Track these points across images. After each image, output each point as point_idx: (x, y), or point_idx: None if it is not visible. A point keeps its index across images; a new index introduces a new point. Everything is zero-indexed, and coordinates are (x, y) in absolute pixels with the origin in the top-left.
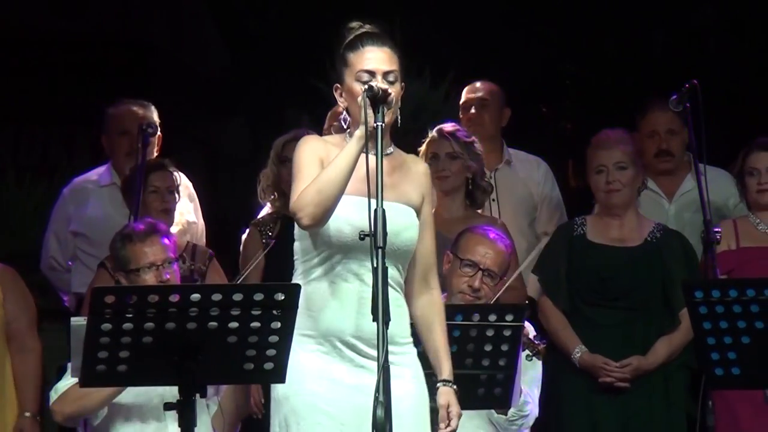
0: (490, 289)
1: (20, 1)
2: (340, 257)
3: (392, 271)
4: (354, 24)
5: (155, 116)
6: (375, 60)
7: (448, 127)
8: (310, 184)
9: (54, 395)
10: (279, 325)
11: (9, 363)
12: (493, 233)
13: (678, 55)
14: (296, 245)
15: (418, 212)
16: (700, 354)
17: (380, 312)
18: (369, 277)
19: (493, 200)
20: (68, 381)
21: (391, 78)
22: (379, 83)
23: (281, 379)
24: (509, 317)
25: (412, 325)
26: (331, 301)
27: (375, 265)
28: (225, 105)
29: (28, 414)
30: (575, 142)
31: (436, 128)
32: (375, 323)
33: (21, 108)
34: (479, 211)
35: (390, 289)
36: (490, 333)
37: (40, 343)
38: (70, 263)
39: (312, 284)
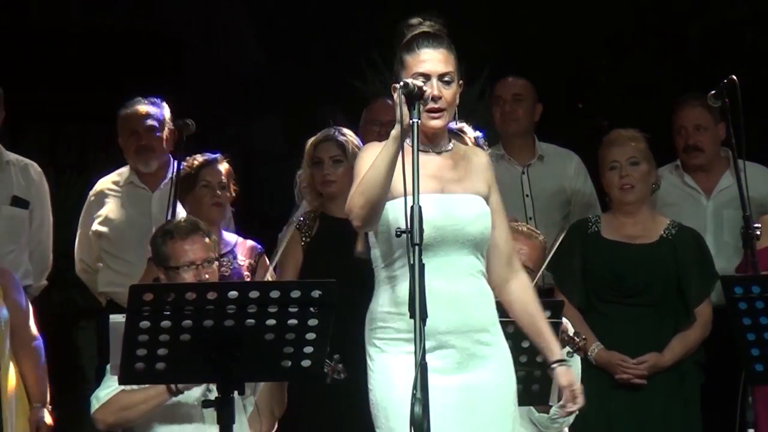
0: None
1: None
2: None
3: (471, 260)
4: (414, 21)
5: (167, 114)
6: (430, 62)
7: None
8: (356, 188)
9: (95, 403)
10: (316, 322)
11: (13, 363)
12: (528, 228)
13: (715, 50)
14: (374, 252)
15: (487, 201)
16: (740, 350)
17: (417, 309)
18: (450, 272)
19: (527, 196)
20: (109, 389)
21: (447, 79)
22: (434, 89)
23: (318, 377)
24: (547, 314)
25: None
26: (434, 299)
27: (412, 262)
28: (259, 103)
29: (38, 405)
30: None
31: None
32: (456, 316)
33: (58, 106)
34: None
35: (472, 279)
36: None
37: (39, 335)
38: (100, 265)
39: (398, 286)
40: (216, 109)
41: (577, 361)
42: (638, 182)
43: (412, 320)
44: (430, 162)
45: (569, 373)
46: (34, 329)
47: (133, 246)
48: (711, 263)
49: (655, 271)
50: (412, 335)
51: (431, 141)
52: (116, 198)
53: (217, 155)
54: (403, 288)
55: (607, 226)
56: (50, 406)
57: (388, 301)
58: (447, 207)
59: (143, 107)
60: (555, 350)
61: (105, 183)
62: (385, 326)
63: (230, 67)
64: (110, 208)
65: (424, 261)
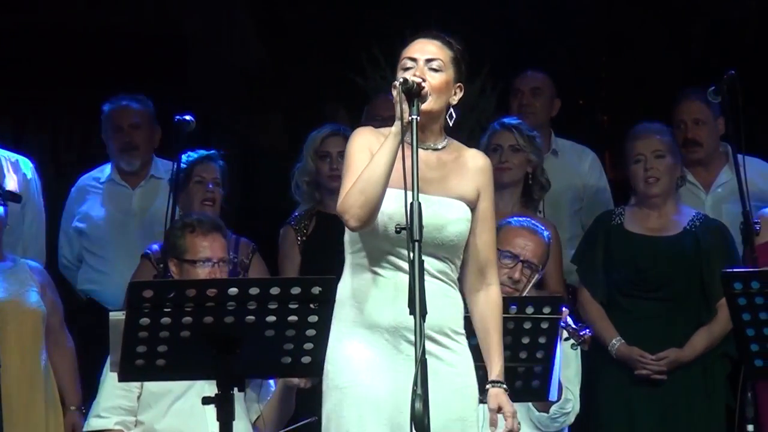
0: (528, 280)
1: None
2: (381, 249)
3: (440, 264)
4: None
5: (152, 111)
6: (420, 48)
7: (512, 120)
8: (352, 186)
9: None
10: (316, 318)
11: (49, 360)
12: (533, 224)
13: (716, 46)
14: (345, 237)
15: (473, 207)
16: (739, 345)
17: (417, 305)
18: (408, 268)
19: None
20: (104, 420)
21: (434, 66)
22: (418, 70)
23: (319, 373)
24: (547, 309)
25: (468, 319)
26: (373, 292)
27: (411, 258)
28: (262, 99)
29: (73, 408)
30: (612, 134)
31: (498, 121)
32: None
33: (58, 103)
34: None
35: (436, 281)
36: (527, 325)
37: (71, 338)
38: None
39: (357, 275)
40: (218, 105)
41: (577, 359)
42: (663, 175)
43: (364, 310)
44: (407, 158)
45: (499, 396)
46: (66, 331)
47: (112, 244)
48: (735, 256)
49: (677, 264)
50: (363, 324)
51: (419, 136)
52: (97, 195)
53: (213, 152)
54: (363, 278)
55: (631, 218)
56: (83, 409)
57: (348, 287)
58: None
59: (128, 104)
60: (495, 370)
61: (86, 179)
62: (342, 309)
63: (232, 63)
64: (90, 206)
65: (382, 254)
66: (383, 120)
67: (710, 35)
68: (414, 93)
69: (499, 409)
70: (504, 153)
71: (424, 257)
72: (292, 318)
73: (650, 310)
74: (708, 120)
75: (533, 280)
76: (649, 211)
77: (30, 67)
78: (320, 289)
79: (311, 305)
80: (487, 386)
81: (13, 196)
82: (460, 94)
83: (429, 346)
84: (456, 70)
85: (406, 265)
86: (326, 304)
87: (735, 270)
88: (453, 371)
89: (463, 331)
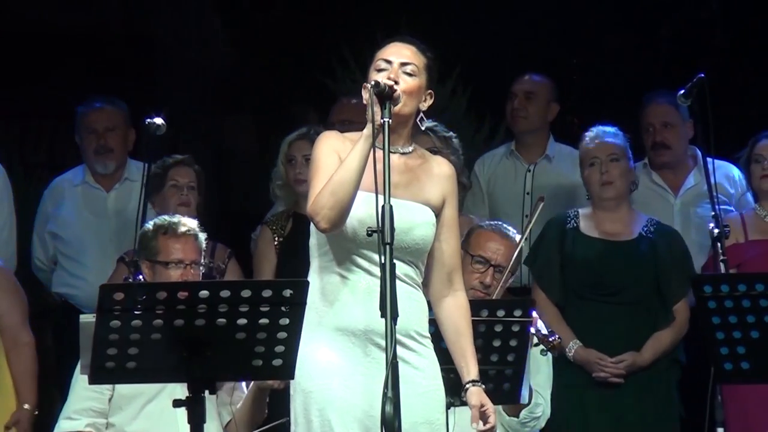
0: (499, 284)
1: None
2: (349, 252)
3: (405, 267)
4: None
5: (125, 112)
6: (395, 51)
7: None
8: (324, 187)
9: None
10: (287, 321)
11: (4, 357)
12: (504, 228)
13: (685, 49)
14: (311, 241)
15: (438, 213)
16: (709, 349)
17: (388, 308)
18: (378, 271)
19: (527, 194)
20: (75, 422)
21: (408, 70)
22: (393, 72)
23: (290, 375)
24: (517, 312)
25: (433, 323)
26: (342, 295)
27: (383, 261)
28: (231, 100)
29: (27, 406)
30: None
31: None
32: (372, 314)
33: (27, 103)
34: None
35: (402, 284)
36: (498, 328)
37: (33, 337)
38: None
39: (325, 279)
40: (187, 107)
41: (549, 364)
42: (618, 179)
43: (333, 313)
44: (379, 161)
45: (480, 394)
46: (27, 329)
47: (87, 247)
48: (689, 262)
49: (634, 268)
50: (330, 327)
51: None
52: (70, 198)
53: (187, 156)
54: (331, 281)
55: (585, 222)
56: (36, 411)
57: (315, 290)
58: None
59: (102, 106)
60: (472, 371)
61: (59, 182)
62: (308, 313)
63: (201, 65)
64: (64, 209)
65: (351, 258)
66: (344, 123)
67: (679, 37)
68: (386, 96)
69: (482, 406)
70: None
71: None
72: (264, 321)
73: (607, 313)
74: (677, 123)
75: (506, 284)
76: (604, 214)
77: None
78: (291, 291)
79: (282, 308)
80: (467, 385)
81: None
82: (430, 101)
83: (397, 349)
84: (428, 77)
85: (375, 269)
86: (298, 307)
87: (705, 273)
88: (420, 374)
89: (428, 334)
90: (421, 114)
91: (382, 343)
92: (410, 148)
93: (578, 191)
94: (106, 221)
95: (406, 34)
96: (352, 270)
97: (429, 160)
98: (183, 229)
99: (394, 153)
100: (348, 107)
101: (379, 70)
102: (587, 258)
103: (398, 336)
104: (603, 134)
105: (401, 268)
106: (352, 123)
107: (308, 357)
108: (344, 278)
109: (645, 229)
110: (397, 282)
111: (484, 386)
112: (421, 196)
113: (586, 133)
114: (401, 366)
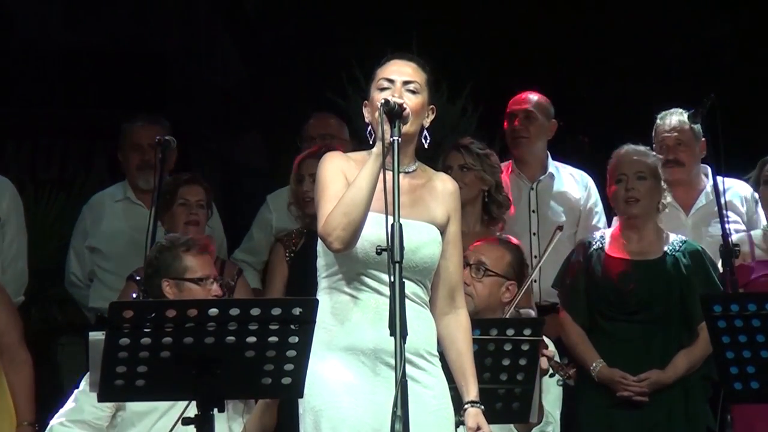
0: (484, 286)
1: (37, 14)
2: (359, 272)
3: (413, 286)
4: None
5: (167, 130)
6: (397, 70)
7: (464, 140)
8: (335, 208)
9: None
10: (297, 339)
11: (3, 375)
12: (499, 238)
13: (694, 69)
14: (319, 261)
15: (443, 231)
16: (719, 368)
17: (397, 327)
18: (387, 291)
19: (533, 212)
20: (66, 429)
21: (411, 88)
22: (396, 91)
23: (299, 394)
24: (527, 332)
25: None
26: (353, 315)
27: (392, 280)
28: (241, 118)
29: (26, 423)
30: (593, 155)
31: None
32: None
33: (38, 121)
34: (498, 227)
35: (411, 303)
36: (507, 347)
37: (30, 355)
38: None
39: (335, 298)
40: (198, 124)
41: (558, 389)
42: (644, 197)
43: (342, 333)
44: (386, 181)
45: (478, 416)
46: (24, 347)
47: (127, 262)
48: (715, 279)
49: (658, 287)
50: (339, 346)
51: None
52: (112, 213)
53: (196, 174)
54: (341, 301)
55: (611, 242)
56: (36, 426)
57: (324, 310)
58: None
59: (149, 124)
60: (472, 392)
61: (101, 197)
62: (318, 332)
63: (212, 82)
64: (105, 223)
65: (360, 277)
66: (325, 138)
67: (688, 57)
68: (396, 114)
69: (478, 429)
70: (453, 173)
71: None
72: (273, 339)
73: (631, 332)
74: (689, 141)
75: (517, 297)
76: (630, 233)
77: (9, 86)
78: (301, 310)
79: (292, 326)
80: (466, 406)
81: None
82: (432, 116)
83: (406, 368)
84: (429, 93)
85: (384, 288)
86: (307, 325)
87: (715, 293)
88: (430, 393)
89: (437, 353)
90: (425, 131)
91: (392, 362)
92: (413, 167)
93: (581, 209)
94: (146, 236)
95: (412, 49)
96: (361, 290)
97: (432, 177)
98: (203, 244)
99: (400, 173)
100: (327, 122)
101: (382, 89)
102: (611, 278)
103: (408, 355)
104: (632, 152)
105: (409, 287)
106: (333, 138)
107: (318, 376)
108: (354, 298)
109: (671, 247)
110: (406, 301)
111: (482, 407)
112: (426, 215)
113: (616, 150)
114: (411, 385)
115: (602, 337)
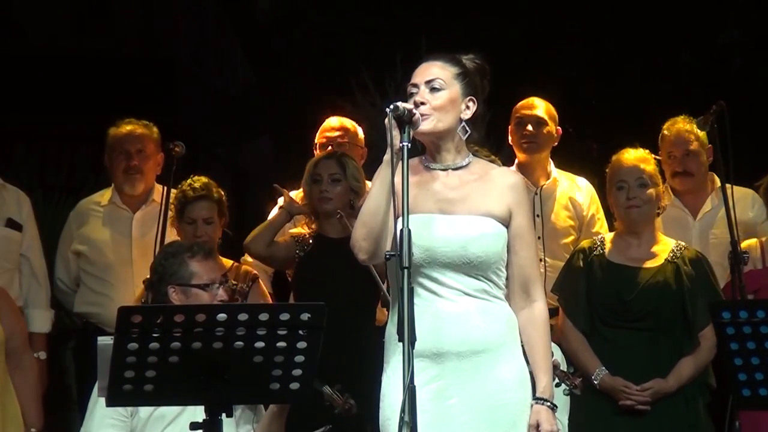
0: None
1: (47, 20)
2: (413, 277)
3: (473, 282)
4: None
5: (156, 136)
6: (420, 73)
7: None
8: (356, 221)
9: None
10: (305, 344)
11: (9, 380)
12: None
13: (703, 75)
14: (389, 273)
15: (506, 224)
16: (727, 375)
17: (406, 332)
18: (444, 292)
19: (537, 216)
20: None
21: (434, 85)
22: (420, 95)
23: (306, 399)
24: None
25: None
26: (417, 318)
27: (401, 286)
28: (250, 123)
29: (34, 430)
30: (601, 161)
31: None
32: (446, 338)
33: (47, 127)
34: None
35: (472, 299)
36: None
37: (35, 360)
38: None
39: (397, 304)
40: (207, 130)
41: (565, 398)
42: (645, 203)
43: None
44: (431, 180)
45: (539, 413)
46: (30, 352)
47: (112, 266)
48: (716, 287)
49: (659, 294)
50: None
51: (434, 157)
52: (97, 218)
53: (205, 191)
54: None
55: (612, 248)
56: None
57: (393, 323)
58: (438, 228)
59: (135, 128)
60: (540, 387)
61: (86, 203)
62: (388, 346)
63: (222, 88)
64: (91, 228)
65: (416, 280)
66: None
67: (698, 63)
68: (405, 119)
69: (537, 426)
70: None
71: (458, 278)
72: (281, 344)
73: (633, 340)
74: (698, 150)
75: None
76: (630, 239)
77: (18, 92)
78: (309, 315)
79: (300, 331)
80: (531, 402)
81: (15, 225)
82: (473, 108)
83: (471, 363)
84: (463, 85)
85: (442, 290)
86: (315, 331)
87: (720, 300)
88: (491, 388)
89: (516, 342)
90: (463, 123)
91: (454, 361)
92: (465, 161)
93: (584, 214)
94: (131, 241)
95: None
96: (418, 292)
97: (490, 171)
98: (210, 248)
99: (446, 170)
100: (342, 125)
101: (410, 95)
102: (613, 285)
103: (475, 349)
104: (632, 158)
105: (470, 284)
106: (347, 141)
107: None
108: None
109: (671, 254)
110: (468, 299)
111: (550, 404)
112: (480, 209)
113: (616, 156)
114: (479, 378)
115: (603, 343)
